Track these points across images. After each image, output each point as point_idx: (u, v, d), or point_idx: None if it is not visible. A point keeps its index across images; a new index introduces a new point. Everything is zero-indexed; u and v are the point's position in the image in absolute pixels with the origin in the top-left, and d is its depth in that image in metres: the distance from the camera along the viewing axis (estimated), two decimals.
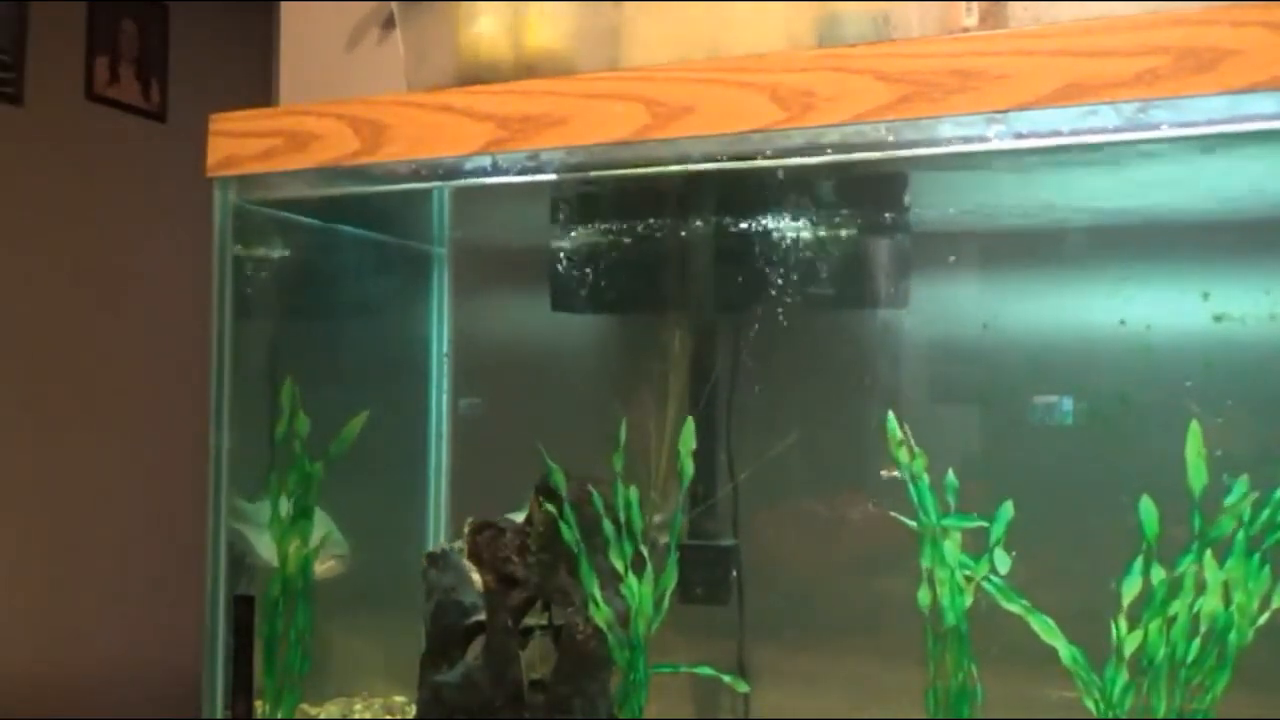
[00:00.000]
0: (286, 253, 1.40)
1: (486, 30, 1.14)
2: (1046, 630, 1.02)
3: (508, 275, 1.54)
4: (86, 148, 3.09)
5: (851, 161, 1.07)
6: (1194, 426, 0.96)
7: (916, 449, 1.06)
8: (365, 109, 1.14)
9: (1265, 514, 0.95)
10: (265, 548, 1.33)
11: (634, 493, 1.14)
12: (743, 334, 1.35)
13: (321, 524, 1.38)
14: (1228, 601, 0.96)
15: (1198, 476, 0.96)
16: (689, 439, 1.14)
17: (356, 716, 1.41)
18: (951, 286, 1.23)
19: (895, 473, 1.07)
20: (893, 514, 1.08)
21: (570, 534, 1.14)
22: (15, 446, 2.90)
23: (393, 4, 1.24)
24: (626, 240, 1.36)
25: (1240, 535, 0.96)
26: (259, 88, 2.46)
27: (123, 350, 3.15)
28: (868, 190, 1.23)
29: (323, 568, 1.39)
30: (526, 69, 1.11)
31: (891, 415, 1.07)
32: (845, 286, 1.27)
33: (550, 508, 1.15)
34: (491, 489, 1.44)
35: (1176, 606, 0.97)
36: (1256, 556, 0.96)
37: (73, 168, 3.05)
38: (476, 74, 1.12)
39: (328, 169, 1.16)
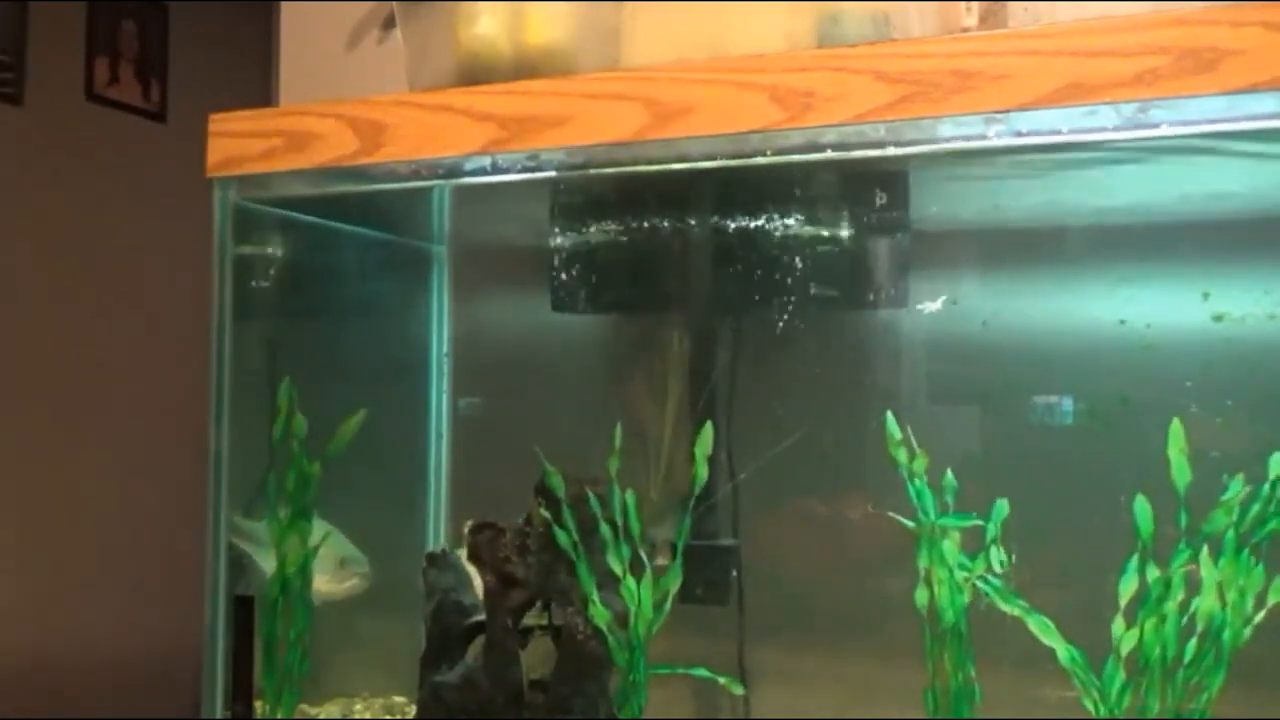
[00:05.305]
0: (286, 252, 1.40)
1: (487, 30, 1.14)
2: (1045, 631, 1.02)
3: (508, 275, 1.54)
4: (86, 148, 3.09)
5: (851, 161, 1.07)
6: (1175, 424, 0.97)
7: (916, 449, 1.06)
8: (365, 109, 1.14)
9: (1255, 509, 0.95)
10: (270, 564, 1.33)
11: (630, 496, 1.14)
12: (742, 334, 1.35)
13: (338, 544, 1.38)
14: (1223, 601, 0.96)
15: (1181, 474, 0.96)
16: (705, 443, 1.14)
17: (356, 716, 1.41)
18: (951, 286, 1.23)
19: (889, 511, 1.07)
20: (890, 514, 1.08)
21: (566, 537, 1.14)
22: (14, 445, 2.90)
23: (394, 4, 1.24)
24: (626, 240, 1.36)
25: (1231, 534, 0.96)
26: (259, 88, 2.46)
27: (122, 350, 3.15)
28: (867, 190, 1.23)
29: (344, 586, 1.39)
30: (527, 69, 1.11)
31: (890, 415, 1.07)
32: (845, 286, 1.27)
33: (545, 513, 1.15)
34: (491, 489, 1.44)
35: (1169, 605, 0.98)
36: (1247, 553, 0.96)
37: (73, 168, 3.05)
38: (477, 74, 1.13)
39: (328, 169, 1.16)
